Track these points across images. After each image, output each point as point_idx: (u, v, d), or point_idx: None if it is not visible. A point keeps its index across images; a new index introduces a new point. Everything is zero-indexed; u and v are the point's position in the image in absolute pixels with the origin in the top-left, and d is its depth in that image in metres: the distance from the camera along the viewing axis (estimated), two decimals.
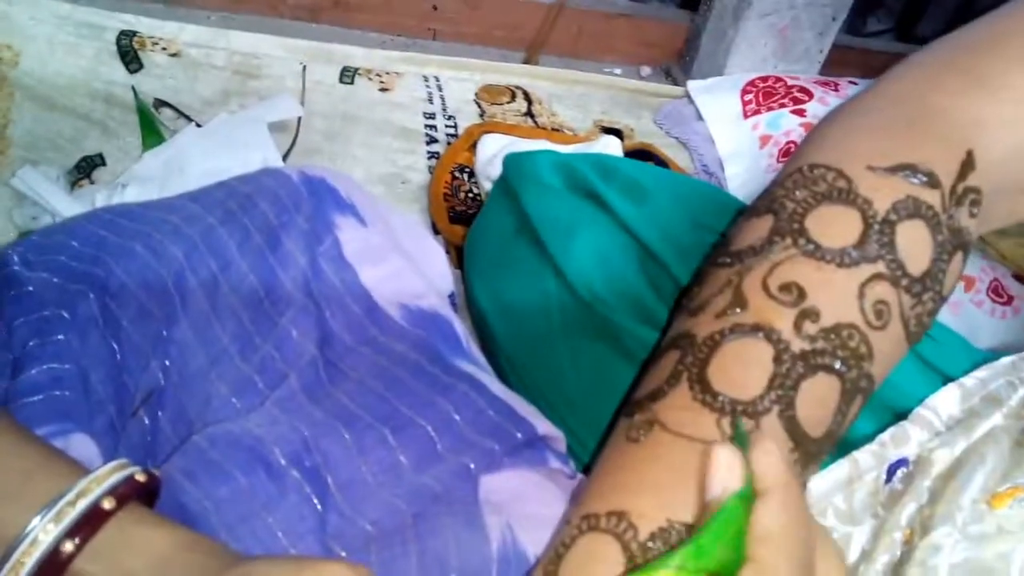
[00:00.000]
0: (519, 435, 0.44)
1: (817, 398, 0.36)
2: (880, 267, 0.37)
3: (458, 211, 0.83)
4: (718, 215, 0.55)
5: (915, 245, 0.38)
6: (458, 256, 0.77)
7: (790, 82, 1.05)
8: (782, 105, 1.01)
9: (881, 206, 0.38)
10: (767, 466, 0.30)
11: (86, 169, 0.82)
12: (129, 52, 0.94)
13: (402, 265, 0.54)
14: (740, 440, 0.32)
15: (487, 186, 0.80)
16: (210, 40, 1.00)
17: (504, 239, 0.61)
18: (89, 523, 0.32)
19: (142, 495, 0.35)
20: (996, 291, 0.84)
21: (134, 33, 0.97)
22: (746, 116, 1.03)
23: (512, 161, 0.63)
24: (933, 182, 0.39)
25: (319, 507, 0.38)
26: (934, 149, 0.40)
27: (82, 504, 0.32)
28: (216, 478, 0.38)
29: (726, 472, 0.30)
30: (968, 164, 0.40)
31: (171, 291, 0.49)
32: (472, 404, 0.44)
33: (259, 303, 0.48)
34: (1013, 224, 0.70)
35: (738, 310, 0.37)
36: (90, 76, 0.91)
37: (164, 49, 0.97)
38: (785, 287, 0.37)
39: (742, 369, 0.36)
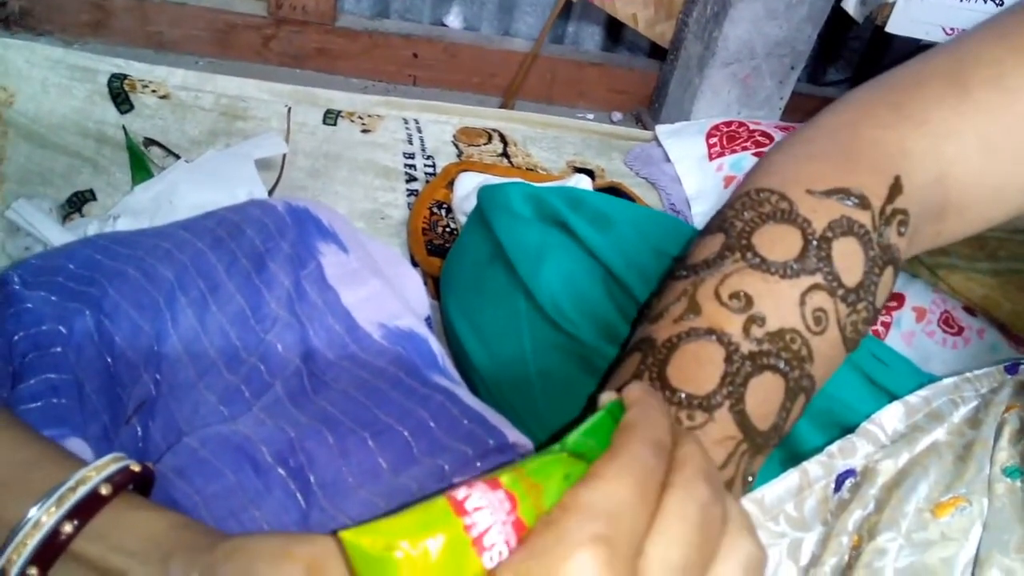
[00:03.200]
0: (491, 442, 0.47)
1: (764, 394, 0.40)
2: (818, 278, 0.42)
3: (436, 244, 0.86)
4: (678, 243, 0.59)
5: (849, 259, 0.42)
6: (435, 287, 0.80)
7: (752, 127, 1.10)
8: (744, 148, 1.06)
9: (819, 225, 0.42)
10: (633, 388, 0.34)
11: (77, 204, 0.85)
12: (120, 94, 0.98)
13: (381, 288, 0.57)
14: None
15: (463, 220, 0.84)
16: (198, 83, 1.04)
17: (478, 264, 0.64)
18: (88, 507, 0.33)
19: (137, 484, 0.37)
20: (947, 322, 0.88)
21: (125, 76, 1.01)
22: (711, 158, 1.08)
23: (486, 193, 0.67)
24: (864, 204, 0.43)
25: (303, 503, 0.41)
26: (866, 175, 0.44)
27: (82, 490, 0.34)
28: (206, 475, 0.41)
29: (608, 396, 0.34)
30: (896, 188, 0.45)
31: (163, 310, 0.52)
32: (447, 413, 0.47)
33: (246, 321, 0.51)
34: (940, 254, 0.74)
35: (693, 316, 0.41)
36: (82, 116, 0.94)
37: (154, 91, 1.01)
38: (735, 295, 0.41)
39: (697, 368, 0.39)
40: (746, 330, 0.40)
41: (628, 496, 0.28)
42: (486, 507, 0.26)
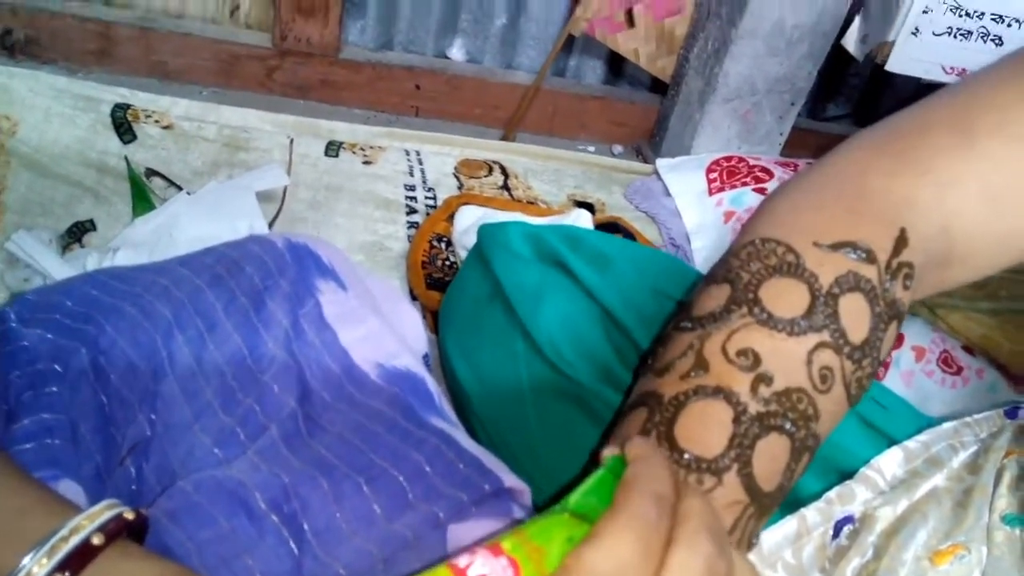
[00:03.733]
0: (487, 487, 0.46)
1: (770, 456, 0.40)
2: (825, 336, 0.41)
3: (435, 278, 0.86)
4: (677, 284, 0.59)
5: (855, 316, 0.42)
6: (434, 321, 0.80)
7: (752, 162, 1.10)
8: (744, 183, 1.07)
9: (825, 280, 0.42)
10: (635, 444, 0.34)
11: (77, 234, 0.85)
12: (123, 124, 0.99)
13: (379, 327, 0.57)
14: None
15: (463, 255, 0.84)
16: (201, 114, 1.05)
17: (477, 304, 0.64)
18: (80, 557, 0.33)
19: (131, 532, 0.36)
20: (946, 361, 0.88)
21: (128, 106, 1.01)
22: (711, 193, 1.09)
23: (486, 231, 0.67)
24: (871, 258, 0.43)
25: (296, 551, 0.41)
26: (871, 227, 0.44)
27: (74, 540, 0.33)
28: (200, 520, 0.40)
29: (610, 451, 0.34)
30: (902, 241, 0.44)
31: (159, 348, 0.52)
32: (443, 457, 0.46)
33: (242, 361, 0.51)
34: (940, 294, 0.74)
35: (701, 372, 0.41)
36: (84, 146, 0.95)
37: (157, 122, 1.01)
38: (742, 352, 0.41)
39: (705, 428, 0.39)
40: (754, 389, 0.40)
41: (631, 555, 0.28)
42: (489, 574, 0.25)
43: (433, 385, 0.53)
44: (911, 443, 0.54)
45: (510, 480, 0.48)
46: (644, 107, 1.36)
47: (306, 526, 0.42)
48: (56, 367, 0.49)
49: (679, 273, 0.63)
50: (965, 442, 0.55)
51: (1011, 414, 0.56)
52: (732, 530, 0.38)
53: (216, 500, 0.42)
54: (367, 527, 0.43)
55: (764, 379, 0.40)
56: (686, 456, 0.38)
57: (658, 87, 1.36)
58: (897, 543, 0.47)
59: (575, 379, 0.57)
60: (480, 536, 0.44)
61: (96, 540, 0.34)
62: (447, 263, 0.88)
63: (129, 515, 0.36)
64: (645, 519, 0.29)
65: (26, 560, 0.33)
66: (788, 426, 0.40)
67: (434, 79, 1.29)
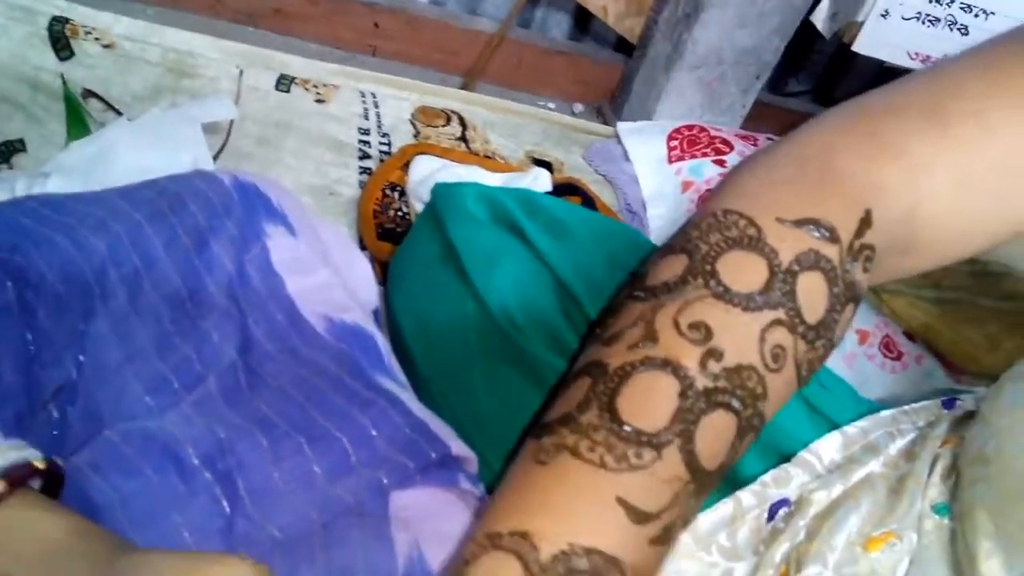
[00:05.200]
0: (433, 454, 0.45)
1: (715, 433, 0.39)
2: (780, 314, 0.40)
3: (386, 228, 0.84)
4: (633, 255, 0.58)
5: (813, 295, 0.41)
6: (383, 272, 0.78)
7: (713, 133, 1.10)
8: (704, 154, 1.06)
9: (785, 257, 0.41)
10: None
11: (6, 154, 0.80)
12: (61, 39, 0.92)
13: (329, 278, 0.55)
14: None
15: (417, 207, 0.82)
16: (145, 34, 0.99)
17: (428, 264, 0.62)
18: None
19: (43, 482, 0.34)
20: (887, 346, 0.89)
21: (67, 20, 0.95)
22: (671, 161, 1.08)
23: (441, 191, 0.65)
24: (834, 237, 0.42)
25: (227, 510, 0.39)
26: (836, 206, 0.43)
27: None
28: (126, 472, 0.38)
29: None
30: (866, 222, 0.44)
31: (91, 285, 0.48)
32: (390, 420, 0.45)
33: (181, 304, 0.48)
34: (894, 281, 0.74)
35: (649, 344, 0.40)
36: (17, 60, 0.88)
37: (97, 39, 0.95)
38: (694, 326, 0.39)
39: (649, 402, 0.38)
40: (703, 364, 0.39)
41: None
42: None
43: (383, 343, 0.52)
44: (850, 428, 0.54)
45: (457, 447, 0.47)
46: (608, 67, 1.33)
47: (241, 484, 0.40)
48: None
49: (636, 245, 0.62)
50: (903, 429, 0.55)
51: (948, 404, 0.57)
52: (670, 507, 0.38)
53: (145, 452, 0.40)
54: (306, 489, 0.41)
55: (715, 354, 0.39)
56: (626, 428, 0.37)
57: (624, 47, 1.34)
58: (828, 527, 0.48)
59: (524, 346, 0.56)
60: (424, 505, 0.43)
61: None
62: (400, 213, 0.85)
63: (39, 464, 0.34)
64: None
65: None
66: (735, 404, 0.39)
67: (394, 17, 1.24)
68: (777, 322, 0.40)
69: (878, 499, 0.50)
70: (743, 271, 0.41)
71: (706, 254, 0.42)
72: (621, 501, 0.36)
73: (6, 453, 0.33)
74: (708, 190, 1.01)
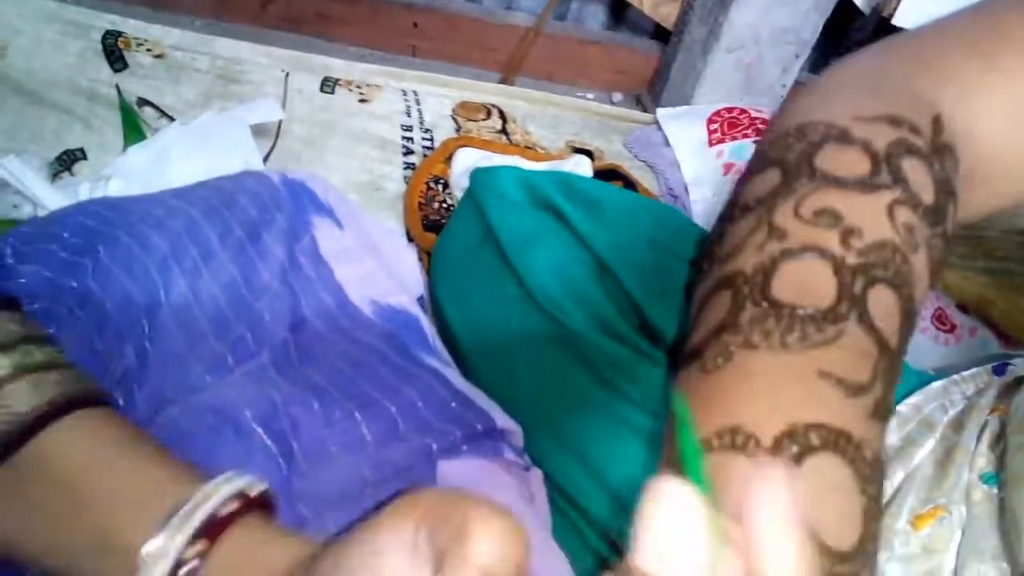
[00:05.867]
0: (479, 426, 0.47)
1: (884, 310, 0.35)
2: (898, 193, 0.37)
3: (432, 220, 0.86)
4: (671, 233, 0.59)
5: (919, 177, 0.38)
6: (430, 262, 0.80)
7: (754, 114, 1.09)
8: (745, 136, 1.06)
9: (880, 145, 0.38)
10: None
11: (67, 162, 0.84)
12: (114, 52, 0.96)
13: (374, 266, 0.57)
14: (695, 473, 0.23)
15: (461, 197, 0.83)
16: (194, 45, 1.02)
17: (469, 248, 0.64)
18: (209, 535, 0.30)
19: (256, 508, 0.33)
20: (940, 319, 0.88)
21: (119, 33, 0.99)
22: (711, 144, 1.08)
23: (478, 176, 0.66)
24: (915, 129, 0.39)
25: (284, 468, 0.41)
26: (908, 108, 0.40)
27: (200, 515, 0.30)
28: (190, 443, 0.40)
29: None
30: (938, 123, 0.41)
31: (155, 279, 0.51)
32: (435, 394, 0.46)
33: (237, 289, 0.51)
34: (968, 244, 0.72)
35: (779, 240, 0.36)
36: (75, 73, 0.92)
37: (149, 51, 0.99)
38: (819, 212, 0.36)
39: (807, 284, 0.34)
40: (844, 242, 0.35)
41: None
42: None
43: (427, 324, 0.53)
44: (902, 407, 0.52)
45: (502, 420, 0.48)
46: (646, 55, 1.33)
47: (295, 445, 0.42)
48: (53, 307, 0.48)
49: (673, 222, 0.63)
50: (954, 400, 0.54)
51: (999, 370, 0.56)
52: (872, 383, 0.33)
53: (204, 420, 0.42)
54: (358, 451, 0.43)
55: (852, 232, 0.35)
56: (799, 311, 0.33)
57: (660, 34, 1.34)
58: (891, 513, 0.46)
59: (566, 324, 0.57)
60: (470, 474, 0.44)
61: (225, 511, 0.31)
62: (444, 205, 0.87)
63: (253, 492, 0.33)
64: None
65: (159, 539, 0.30)
66: (892, 278, 0.35)
67: (432, 17, 1.26)
68: (898, 201, 0.37)
69: (926, 474, 0.49)
70: (844, 162, 0.37)
71: (800, 157, 0.38)
72: (825, 374, 0.33)
73: (220, 488, 0.32)
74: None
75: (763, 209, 0.37)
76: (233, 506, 0.31)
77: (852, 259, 0.35)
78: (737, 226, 0.39)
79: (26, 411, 0.32)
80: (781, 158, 0.39)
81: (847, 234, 0.35)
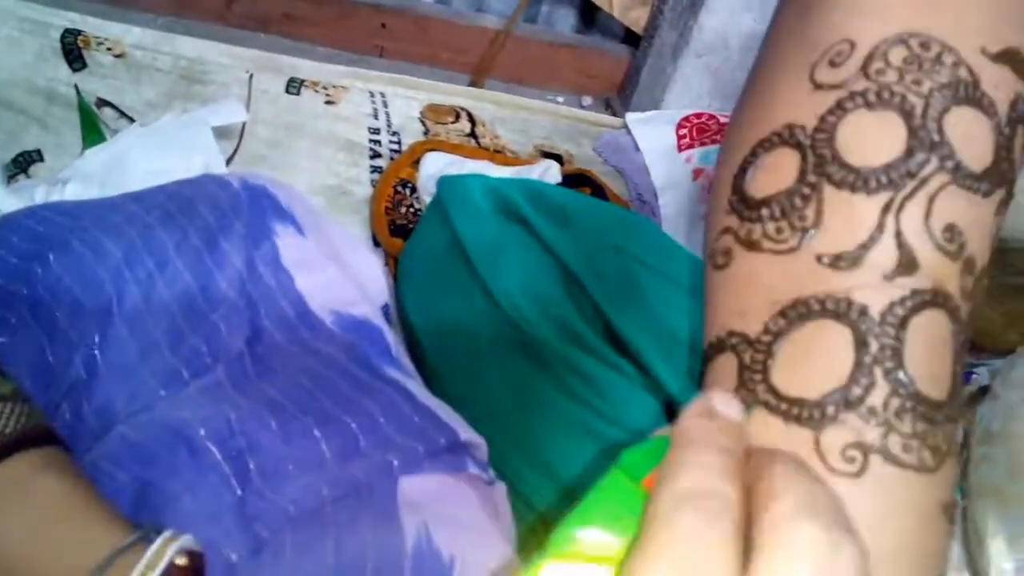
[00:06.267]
0: (442, 440, 0.46)
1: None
2: (1003, 193, 0.32)
3: (399, 224, 0.85)
4: (639, 243, 0.58)
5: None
6: (397, 268, 0.79)
7: (722, 119, 1.09)
8: (714, 141, 1.06)
9: (1002, 109, 0.32)
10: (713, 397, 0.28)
11: (23, 164, 0.82)
12: (73, 50, 0.94)
13: (337, 275, 0.55)
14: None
15: (428, 201, 0.82)
16: (156, 44, 1.00)
17: (436, 257, 0.63)
18: None
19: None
20: None
21: (79, 32, 0.96)
22: (680, 149, 1.08)
23: (445, 184, 0.66)
24: None
25: (239, 490, 0.39)
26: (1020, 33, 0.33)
27: None
28: (142, 461, 0.39)
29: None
30: None
31: (107, 287, 0.50)
32: (397, 408, 0.46)
33: (192, 300, 0.49)
34: None
35: (910, 270, 0.30)
36: (32, 72, 0.90)
37: (109, 50, 0.97)
38: (948, 228, 0.30)
39: (933, 359, 0.29)
40: (963, 288, 0.30)
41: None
42: None
43: (391, 335, 0.52)
44: None
45: (465, 433, 0.47)
46: (616, 59, 1.33)
47: (251, 464, 0.41)
48: (4, 313, 0.47)
49: (640, 230, 0.62)
50: None
51: (964, 378, 0.56)
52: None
53: (158, 438, 0.40)
54: (316, 469, 0.42)
55: (971, 267, 0.31)
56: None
57: (631, 39, 1.33)
58: None
59: (531, 333, 0.56)
60: (433, 489, 0.43)
61: None
62: (411, 209, 0.86)
63: (181, 560, 0.33)
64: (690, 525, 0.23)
65: None
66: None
67: (401, 18, 1.25)
68: (1003, 202, 0.32)
69: None
70: (973, 139, 0.31)
71: (926, 111, 0.31)
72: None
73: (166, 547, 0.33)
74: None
75: (885, 199, 0.31)
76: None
77: (964, 310, 0.31)
78: (850, 206, 0.31)
79: None
80: (901, 101, 0.31)
81: (967, 271, 0.31)
